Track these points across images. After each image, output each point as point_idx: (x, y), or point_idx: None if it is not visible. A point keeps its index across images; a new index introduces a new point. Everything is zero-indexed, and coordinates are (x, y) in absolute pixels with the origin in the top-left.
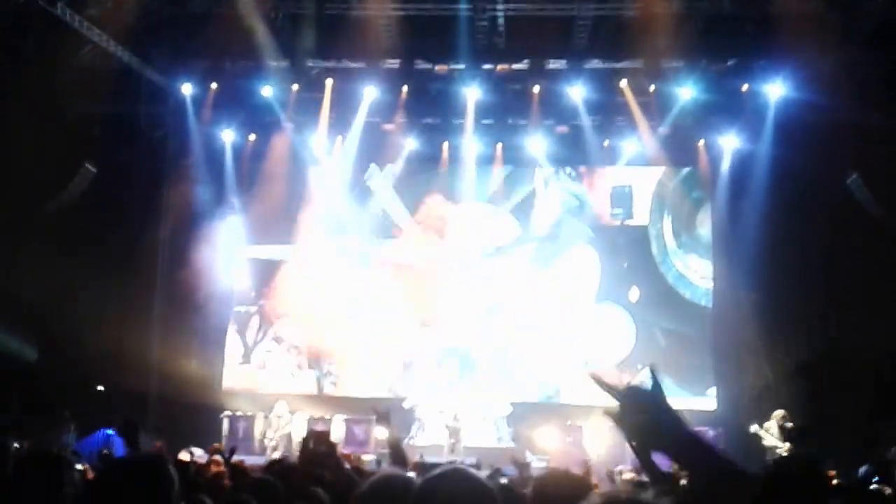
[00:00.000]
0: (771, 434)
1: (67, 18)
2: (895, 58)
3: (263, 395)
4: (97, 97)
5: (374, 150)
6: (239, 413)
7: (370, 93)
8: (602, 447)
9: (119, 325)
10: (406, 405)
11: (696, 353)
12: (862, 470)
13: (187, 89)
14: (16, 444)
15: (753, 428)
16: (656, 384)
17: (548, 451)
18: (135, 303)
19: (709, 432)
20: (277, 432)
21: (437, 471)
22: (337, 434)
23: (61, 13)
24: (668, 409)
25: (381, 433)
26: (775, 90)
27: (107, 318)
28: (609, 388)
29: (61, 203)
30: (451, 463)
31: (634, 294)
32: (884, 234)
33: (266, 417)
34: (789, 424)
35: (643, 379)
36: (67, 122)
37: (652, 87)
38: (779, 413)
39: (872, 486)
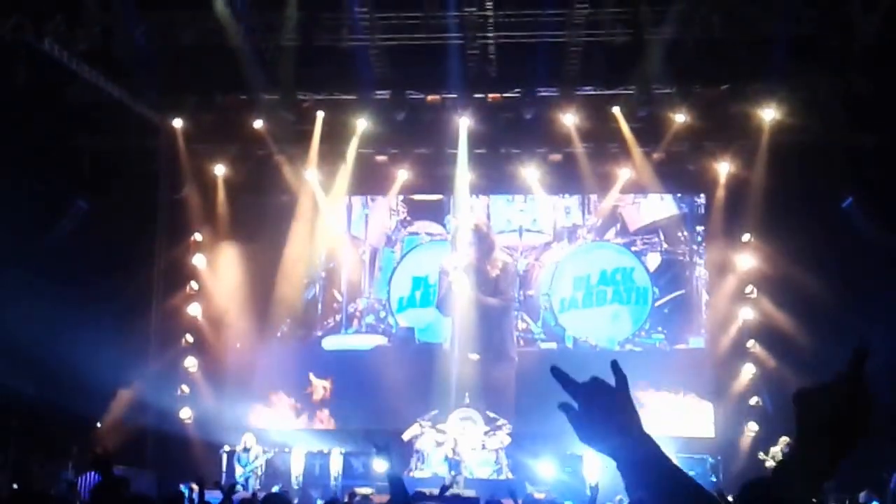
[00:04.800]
0: (775, 460)
1: (56, 54)
2: (888, 80)
3: (262, 430)
4: (87, 132)
5: (367, 181)
6: (239, 448)
7: (362, 124)
8: (601, 476)
9: (115, 360)
10: (405, 437)
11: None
12: (862, 495)
13: (178, 123)
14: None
15: (762, 455)
16: (620, 378)
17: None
18: (130, 337)
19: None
20: (248, 467)
21: None
22: (335, 467)
23: (49, 49)
24: (625, 406)
25: (379, 466)
26: (769, 114)
27: (103, 353)
28: (567, 381)
29: (55, 238)
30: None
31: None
32: (880, 256)
33: (235, 452)
34: None
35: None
36: (58, 157)
37: (644, 113)
38: (784, 439)
39: None
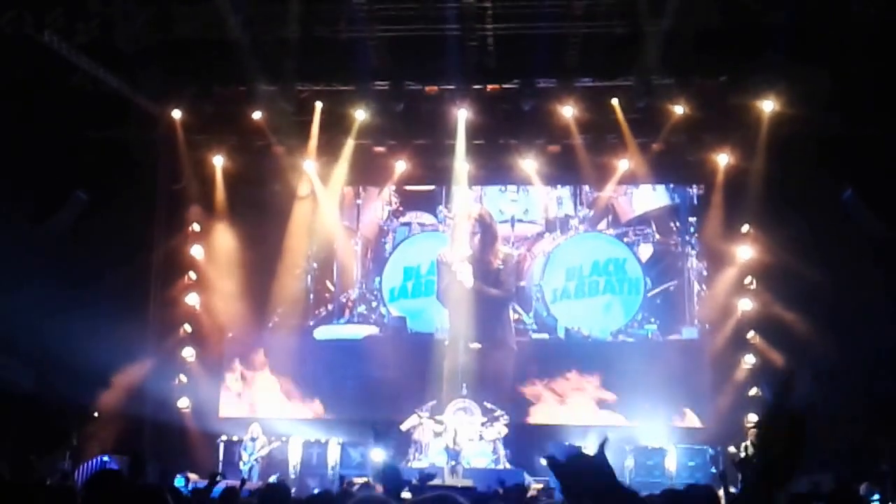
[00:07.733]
0: (745, 451)
1: (55, 46)
2: (888, 70)
3: (261, 419)
4: (87, 123)
5: (365, 172)
6: (235, 438)
7: (360, 115)
8: None
9: (113, 350)
10: (403, 427)
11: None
12: (862, 488)
13: (177, 114)
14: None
15: (731, 449)
16: (601, 453)
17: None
18: (129, 327)
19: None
20: (253, 455)
21: (422, 497)
22: (332, 457)
23: (49, 41)
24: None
25: (377, 455)
26: (768, 105)
27: (101, 343)
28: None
29: (54, 229)
30: (437, 487)
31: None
32: (880, 248)
33: (241, 441)
34: None
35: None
36: (57, 148)
37: (643, 105)
38: (754, 431)
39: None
